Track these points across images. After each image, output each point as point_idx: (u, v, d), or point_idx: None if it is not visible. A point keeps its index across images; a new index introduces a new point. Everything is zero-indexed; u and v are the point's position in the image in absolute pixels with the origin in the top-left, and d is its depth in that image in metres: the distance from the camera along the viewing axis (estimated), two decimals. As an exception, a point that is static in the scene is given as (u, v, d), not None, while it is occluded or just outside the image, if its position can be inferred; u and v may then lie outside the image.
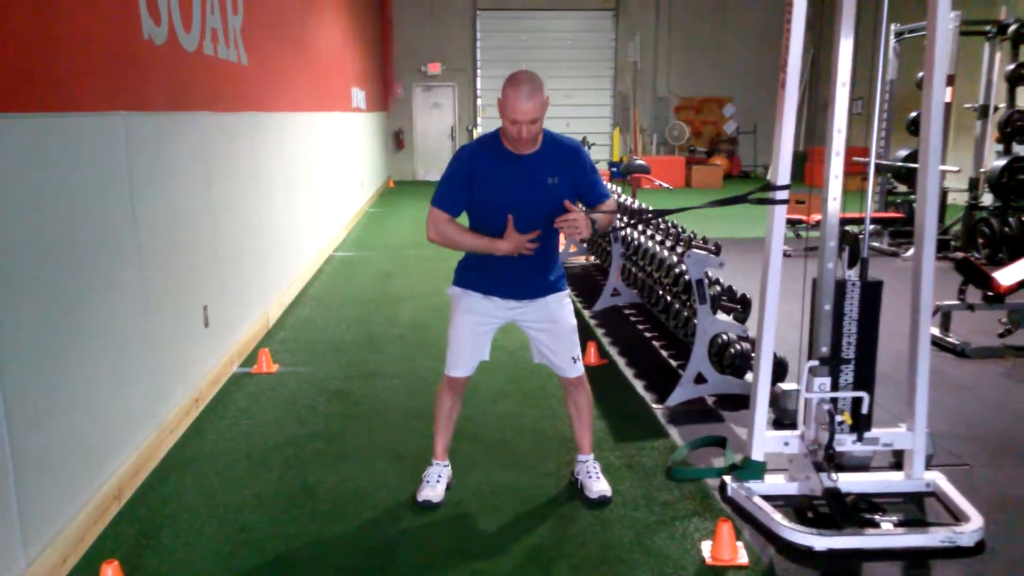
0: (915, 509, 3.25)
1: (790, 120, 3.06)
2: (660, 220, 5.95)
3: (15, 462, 2.52)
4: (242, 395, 4.54)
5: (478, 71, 19.17)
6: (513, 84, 2.86)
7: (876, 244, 9.23)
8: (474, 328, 3.20)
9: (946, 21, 3.00)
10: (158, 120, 3.86)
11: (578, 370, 3.28)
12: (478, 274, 3.18)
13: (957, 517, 3.08)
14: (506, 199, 3.00)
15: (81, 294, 3.00)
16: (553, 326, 3.20)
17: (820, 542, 2.90)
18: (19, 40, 2.62)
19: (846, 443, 3.25)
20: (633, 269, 6.10)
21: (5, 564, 2.48)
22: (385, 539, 3.03)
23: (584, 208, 3.12)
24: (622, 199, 7.24)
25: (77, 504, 2.93)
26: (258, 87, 5.93)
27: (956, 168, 8.82)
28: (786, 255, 3.21)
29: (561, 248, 3.23)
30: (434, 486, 3.31)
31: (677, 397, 4.36)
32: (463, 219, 3.09)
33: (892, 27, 9.38)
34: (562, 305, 3.22)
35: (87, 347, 3.04)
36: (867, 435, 3.26)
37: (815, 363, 3.24)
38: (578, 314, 3.30)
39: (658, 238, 5.59)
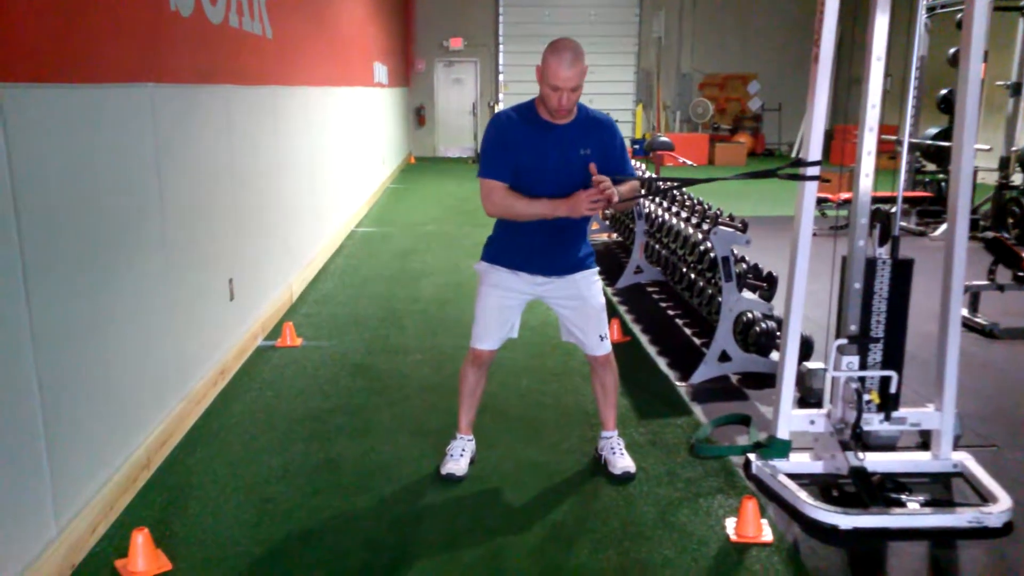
0: (942, 489, 3.23)
1: (823, 95, 3.01)
2: (685, 197, 5.90)
3: (47, 432, 2.55)
4: (267, 368, 4.57)
5: (500, 46, 19.03)
6: (555, 51, 2.83)
7: (904, 223, 9.11)
8: (501, 302, 3.19)
9: (984, -6, 2.93)
10: (184, 92, 3.85)
11: (605, 348, 3.27)
12: (505, 249, 3.17)
13: (985, 498, 3.05)
14: (538, 168, 2.97)
15: (108, 266, 3.02)
16: (580, 303, 3.19)
17: (846, 521, 2.89)
18: (46, 10, 2.62)
19: (873, 422, 3.23)
20: (656, 246, 6.06)
21: (36, 532, 2.52)
22: (408, 512, 3.05)
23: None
24: (646, 176, 7.18)
25: (106, 474, 2.96)
26: (282, 61, 5.92)
27: (987, 147, 8.67)
28: (813, 234, 3.16)
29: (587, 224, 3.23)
30: (458, 460, 3.32)
31: (701, 375, 4.34)
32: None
33: (923, 2, 9.19)
34: (590, 283, 3.20)
35: (115, 319, 3.07)
36: (895, 415, 3.23)
37: (843, 341, 3.21)
38: (603, 291, 3.29)
39: (683, 215, 5.55)
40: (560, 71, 2.81)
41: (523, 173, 2.99)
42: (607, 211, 3.00)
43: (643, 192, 5.94)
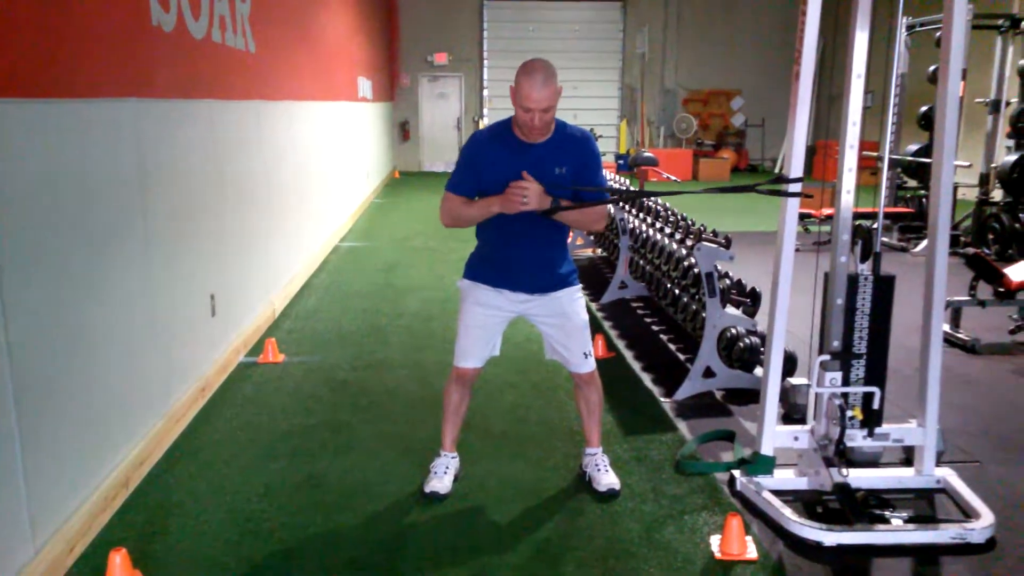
0: (925, 505, 3.23)
1: (804, 111, 3.03)
2: (669, 212, 5.92)
3: (23, 451, 2.51)
4: (248, 385, 4.53)
5: (485, 61, 19.10)
6: (527, 72, 2.83)
7: (885, 239, 9.19)
8: (484, 320, 3.18)
9: (962, 14, 2.97)
10: (167, 107, 3.84)
11: (589, 366, 3.26)
12: (487, 267, 3.16)
13: (968, 514, 3.06)
14: None
15: (89, 282, 2.99)
16: (564, 321, 3.18)
17: (830, 537, 2.89)
18: (29, 26, 2.60)
19: (856, 438, 3.23)
20: (641, 262, 6.07)
21: (13, 552, 2.47)
22: (392, 530, 3.02)
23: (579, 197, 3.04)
24: (627, 188, 7.20)
25: (85, 492, 2.92)
26: (266, 75, 5.91)
27: (967, 163, 8.76)
28: (795, 249, 3.18)
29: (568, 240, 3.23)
30: (441, 477, 3.30)
31: (685, 391, 4.34)
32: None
33: (903, 20, 9.30)
34: (573, 300, 3.19)
35: (95, 336, 3.03)
36: (878, 431, 3.23)
37: (826, 358, 3.21)
38: (585, 307, 3.28)
39: (667, 231, 5.57)
40: (532, 92, 2.81)
41: (495, 194, 2.97)
42: (530, 210, 2.91)
43: (613, 198, 5.95)
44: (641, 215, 6.37)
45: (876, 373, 3.24)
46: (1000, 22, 8.71)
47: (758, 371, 4.33)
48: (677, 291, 5.20)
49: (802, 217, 9.03)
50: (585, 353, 3.23)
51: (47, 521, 2.66)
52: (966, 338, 5.30)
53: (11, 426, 2.46)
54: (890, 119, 3.34)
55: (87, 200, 2.98)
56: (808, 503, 3.19)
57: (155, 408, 3.61)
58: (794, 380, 4.06)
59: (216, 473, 3.46)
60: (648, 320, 5.94)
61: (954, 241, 8.62)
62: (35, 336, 2.60)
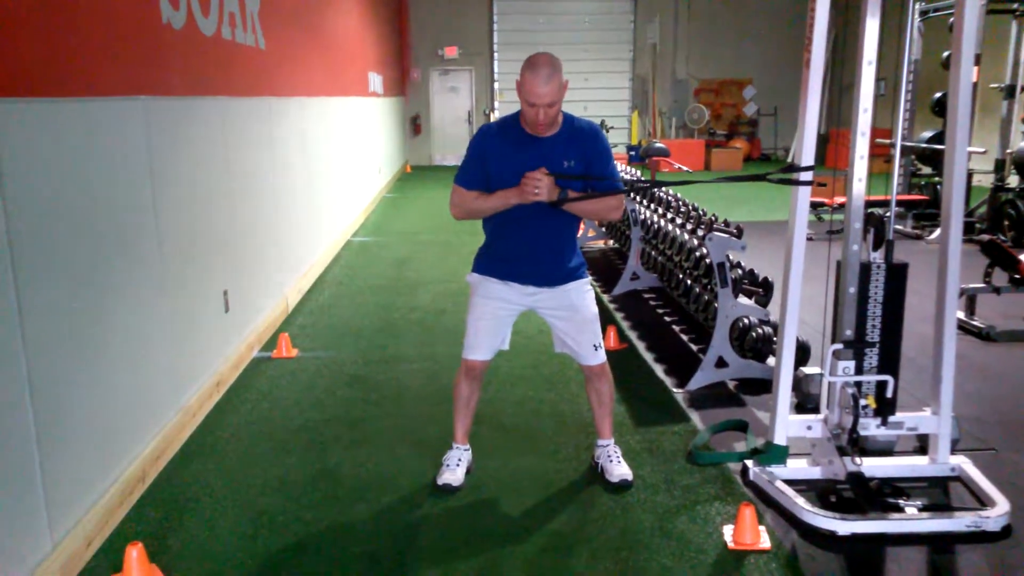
0: (940, 494, 3.22)
1: (815, 99, 3.01)
2: (681, 202, 5.90)
3: (40, 447, 2.54)
4: (263, 379, 4.56)
5: (495, 54, 19.07)
6: (531, 67, 2.83)
7: (899, 227, 9.12)
8: (493, 312, 3.18)
9: (975, -2, 2.94)
10: (177, 105, 3.85)
11: (600, 358, 3.25)
12: (496, 260, 3.16)
13: (983, 502, 3.04)
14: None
15: (103, 279, 3.01)
16: (573, 314, 3.18)
17: (843, 527, 2.88)
18: (39, 24, 2.62)
19: (870, 427, 3.22)
20: (652, 253, 6.06)
21: (31, 547, 2.50)
22: (405, 523, 3.03)
23: (591, 190, 3.05)
24: (639, 179, 7.18)
25: (101, 487, 2.95)
26: (276, 71, 5.92)
27: (982, 149, 8.68)
28: (808, 239, 3.16)
29: (579, 233, 3.19)
30: (454, 470, 3.31)
31: (698, 381, 4.33)
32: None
33: (916, 6, 9.21)
34: (582, 293, 3.19)
35: (109, 332, 3.06)
36: (892, 419, 3.22)
37: (839, 346, 3.20)
38: (597, 298, 3.28)
39: (678, 221, 5.55)
40: (536, 88, 2.81)
41: (505, 187, 2.98)
42: (541, 200, 2.95)
43: (624, 187, 5.95)
44: (653, 206, 6.35)
45: (889, 361, 3.23)
46: (1015, 6, 8.61)
47: (771, 361, 4.31)
48: (689, 281, 5.19)
49: (815, 206, 8.99)
50: (595, 345, 3.22)
51: (64, 516, 2.69)
52: (981, 325, 5.26)
53: (28, 423, 2.49)
54: (903, 105, 3.31)
55: (98, 198, 3.00)
56: (822, 492, 3.18)
57: (170, 403, 3.64)
58: (807, 369, 4.04)
59: (231, 467, 3.48)
60: (660, 311, 5.93)
61: (969, 228, 8.55)
62: (51, 334, 2.63)
